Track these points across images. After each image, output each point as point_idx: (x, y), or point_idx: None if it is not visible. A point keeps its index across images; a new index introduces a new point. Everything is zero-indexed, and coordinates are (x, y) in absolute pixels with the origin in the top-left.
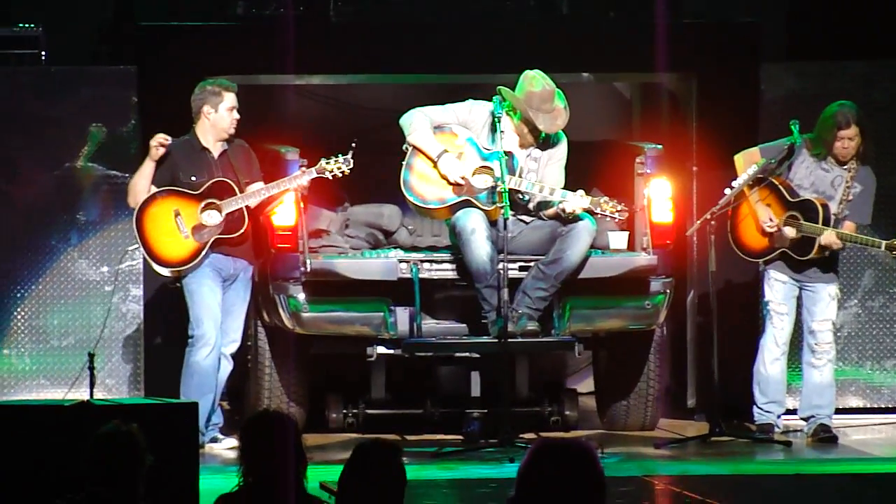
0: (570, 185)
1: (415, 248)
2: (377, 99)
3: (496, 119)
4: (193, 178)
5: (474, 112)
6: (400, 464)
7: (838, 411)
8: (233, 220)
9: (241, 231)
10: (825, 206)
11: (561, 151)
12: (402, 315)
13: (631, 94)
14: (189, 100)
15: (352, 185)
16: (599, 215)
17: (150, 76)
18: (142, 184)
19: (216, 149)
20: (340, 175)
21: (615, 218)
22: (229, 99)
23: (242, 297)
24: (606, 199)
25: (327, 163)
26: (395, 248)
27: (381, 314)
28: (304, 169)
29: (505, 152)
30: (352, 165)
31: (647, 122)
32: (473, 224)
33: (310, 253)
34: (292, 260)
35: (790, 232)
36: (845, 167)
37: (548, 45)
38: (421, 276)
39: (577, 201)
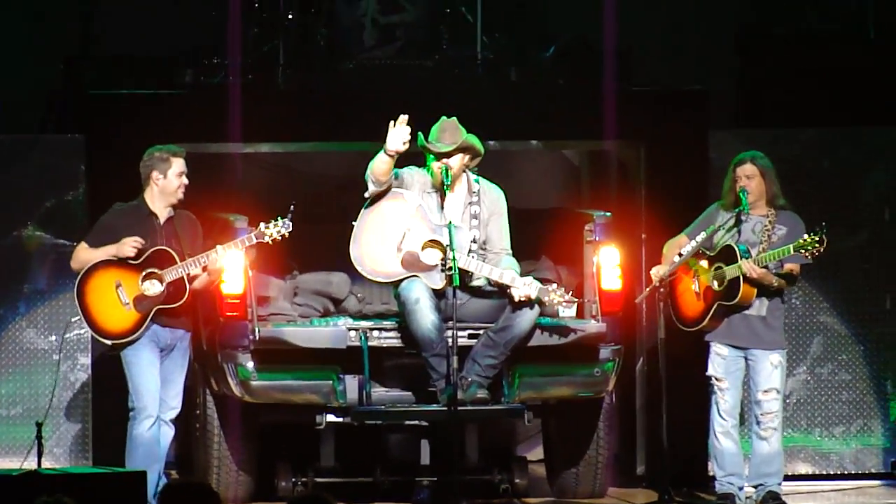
0: (520, 251)
1: (364, 316)
2: (325, 167)
3: (445, 187)
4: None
5: (413, 177)
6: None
7: (787, 478)
8: (174, 289)
9: (183, 300)
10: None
11: (499, 206)
12: (351, 383)
13: (580, 161)
14: (136, 169)
15: (300, 253)
16: (547, 303)
17: (99, 145)
18: (90, 259)
19: (163, 215)
20: (280, 238)
21: (563, 305)
22: (177, 164)
23: (180, 365)
24: (554, 287)
25: (266, 227)
26: (344, 316)
27: (330, 382)
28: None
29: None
30: (291, 228)
31: (595, 190)
32: (417, 294)
33: (259, 321)
34: (241, 328)
35: (715, 284)
36: (763, 215)
37: (497, 113)
38: (370, 344)
39: (525, 290)
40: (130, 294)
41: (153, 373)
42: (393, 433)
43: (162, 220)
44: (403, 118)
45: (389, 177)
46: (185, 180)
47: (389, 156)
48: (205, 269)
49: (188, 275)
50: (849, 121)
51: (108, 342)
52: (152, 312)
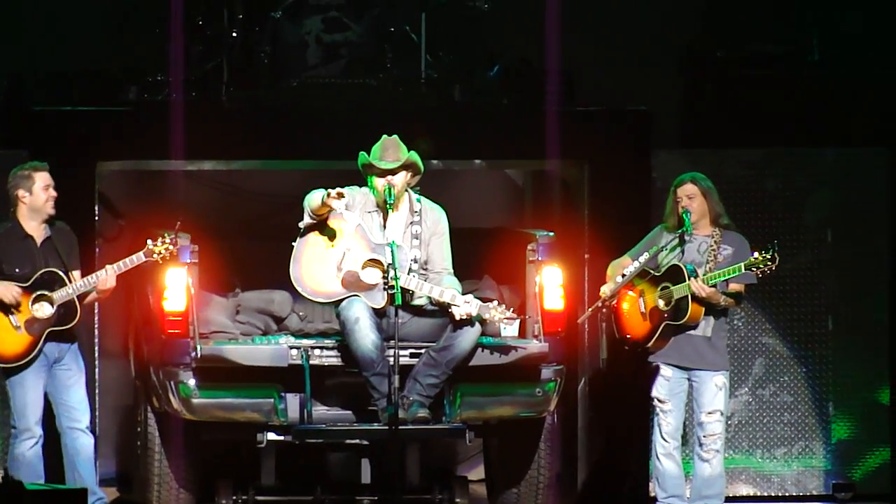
0: (463, 271)
1: (305, 335)
2: (269, 185)
3: (389, 205)
4: (17, 270)
5: (354, 197)
6: None
7: (728, 499)
8: (65, 310)
9: (75, 322)
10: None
11: (441, 226)
12: (292, 401)
13: (523, 181)
14: (79, 185)
15: (243, 271)
16: (489, 320)
17: (43, 160)
18: None
19: (40, 235)
20: (168, 255)
21: (505, 322)
22: (41, 178)
23: (77, 370)
24: (495, 304)
25: (154, 245)
26: (285, 334)
27: (272, 400)
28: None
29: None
30: (177, 245)
31: (539, 210)
32: (357, 313)
33: (200, 339)
34: (183, 346)
35: (661, 304)
36: (707, 235)
37: (440, 132)
38: (311, 362)
39: (465, 307)
40: (21, 317)
41: (37, 393)
42: (334, 452)
43: (39, 240)
44: (343, 191)
45: (324, 214)
46: (52, 192)
47: (324, 206)
48: (94, 290)
49: (78, 295)
50: (792, 142)
51: (3, 365)
52: (45, 335)
